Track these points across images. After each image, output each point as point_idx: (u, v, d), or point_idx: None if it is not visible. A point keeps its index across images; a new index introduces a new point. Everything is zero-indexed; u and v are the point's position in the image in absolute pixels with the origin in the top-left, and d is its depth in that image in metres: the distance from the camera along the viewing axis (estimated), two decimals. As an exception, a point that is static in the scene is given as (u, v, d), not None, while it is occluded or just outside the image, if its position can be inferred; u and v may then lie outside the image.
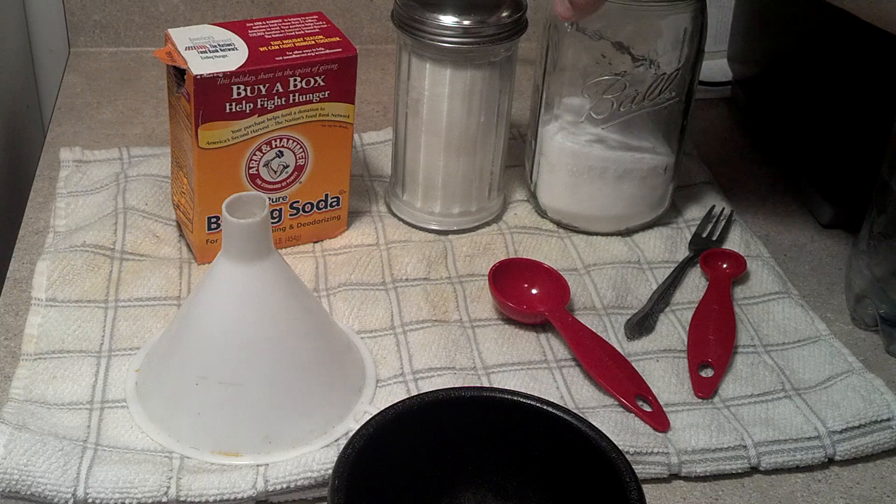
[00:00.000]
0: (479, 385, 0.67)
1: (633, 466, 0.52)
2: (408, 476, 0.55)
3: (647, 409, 0.66)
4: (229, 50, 0.71)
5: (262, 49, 0.72)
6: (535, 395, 0.66)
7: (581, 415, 0.64)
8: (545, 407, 0.56)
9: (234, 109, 0.71)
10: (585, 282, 0.77)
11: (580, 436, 0.54)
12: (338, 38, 0.74)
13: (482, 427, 0.56)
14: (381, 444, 0.53)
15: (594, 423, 0.54)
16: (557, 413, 0.55)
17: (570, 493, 0.55)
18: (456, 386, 0.66)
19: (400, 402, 0.55)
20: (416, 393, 0.65)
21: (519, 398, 0.56)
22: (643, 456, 0.62)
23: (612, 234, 0.82)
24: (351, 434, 0.53)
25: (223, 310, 0.61)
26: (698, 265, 0.79)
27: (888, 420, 0.65)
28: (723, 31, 1.06)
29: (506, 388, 0.67)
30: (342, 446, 0.53)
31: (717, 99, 1.04)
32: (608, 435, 0.54)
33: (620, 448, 0.53)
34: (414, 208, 0.82)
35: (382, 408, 0.55)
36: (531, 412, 0.56)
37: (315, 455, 0.61)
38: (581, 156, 0.79)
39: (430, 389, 0.59)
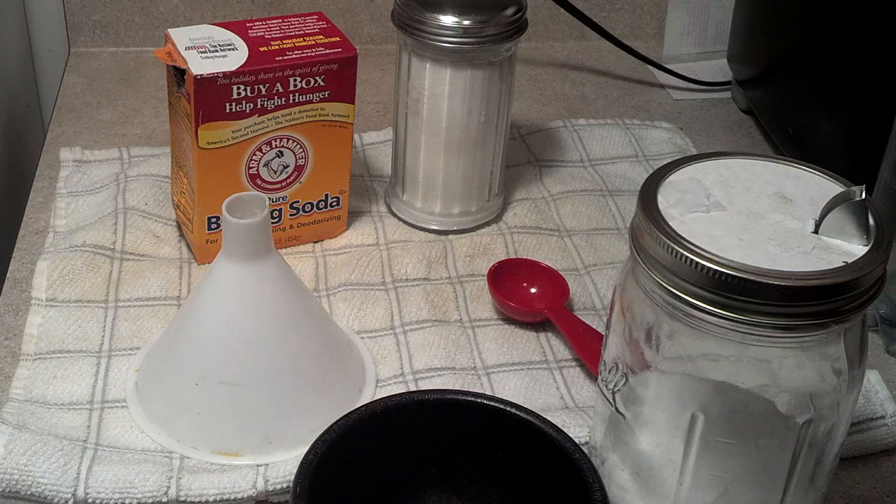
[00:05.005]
0: (476, 387, 0.67)
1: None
2: (372, 481, 0.55)
3: (647, 408, 0.66)
4: (229, 50, 0.71)
5: (262, 49, 0.72)
6: (532, 396, 0.66)
7: (581, 414, 0.64)
8: (508, 408, 0.55)
9: (234, 109, 0.71)
10: (585, 282, 0.77)
11: (544, 437, 0.54)
12: (338, 38, 0.74)
13: (446, 430, 0.56)
14: (344, 450, 0.53)
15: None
16: (520, 414, 0.55)
17: (536, 494, 0.55)
18: (451, 388, 0.66)
19: (362, 406, 0.55)
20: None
21: (482, 400, 0.56)
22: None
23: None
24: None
25: (223, 310, 0.61)
26: (698, 265, 0.79)
27: (882, 418, 0.65)
28: (723, 31, 1.06)
29: (498, 390, 0.67)
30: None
31: (717, 99, 1.04)
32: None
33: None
34: (414, 208, 0.81)
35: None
36: (494, 414, 0.55)
37: (315, 455, 0.61)
38: None
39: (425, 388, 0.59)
